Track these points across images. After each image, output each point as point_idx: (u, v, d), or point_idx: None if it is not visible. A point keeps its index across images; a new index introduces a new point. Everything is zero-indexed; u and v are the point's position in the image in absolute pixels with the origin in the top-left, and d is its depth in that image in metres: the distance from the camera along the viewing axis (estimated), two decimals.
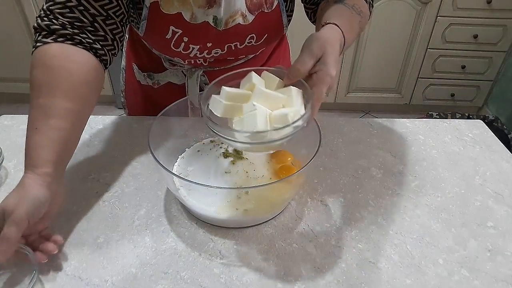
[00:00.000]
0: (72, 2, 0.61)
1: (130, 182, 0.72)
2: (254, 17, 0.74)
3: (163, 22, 0.71)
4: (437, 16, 2.16)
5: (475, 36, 2.21)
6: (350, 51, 2.28)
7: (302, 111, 0.54)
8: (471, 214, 0.68)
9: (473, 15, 2.15)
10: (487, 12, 2.13)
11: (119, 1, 0.65)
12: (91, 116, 0.87)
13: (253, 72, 0.55)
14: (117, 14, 0.65)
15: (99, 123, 0.87)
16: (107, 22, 0.64)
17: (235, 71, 0.59)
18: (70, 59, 0.61)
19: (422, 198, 0.71)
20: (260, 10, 0.74)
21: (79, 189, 0.70)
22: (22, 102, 2.55)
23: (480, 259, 0.60)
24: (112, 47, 0.67)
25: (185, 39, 0.74)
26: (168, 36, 0.73)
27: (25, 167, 0.56)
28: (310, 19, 0.85)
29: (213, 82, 0.57)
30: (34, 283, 0.50)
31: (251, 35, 0.76)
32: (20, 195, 0.53)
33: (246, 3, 0.72)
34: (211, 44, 0.76)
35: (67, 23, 0.61)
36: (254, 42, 0.78)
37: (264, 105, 0.52)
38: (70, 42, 0.61)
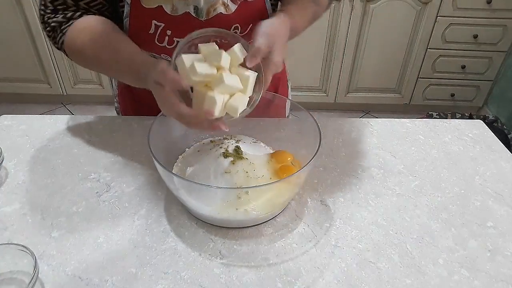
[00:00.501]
0: None
1: (130, 182, 0.72)
2: (236, 6, 0.73)
3: (144, 17, 0.71)
4: (437, 16, 2.16)
5: (475, 36, 2.21)
6: (350, 51, 2.29)
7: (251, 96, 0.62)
8: (471, 214, 0.68)
9: (473, 15, 2.15)
10: (487, 12, 2.13)
11: None
12: (91, 116, 0.88)
13: (223, 51, 0.59)
14: None
15: (99, 123, 0.87)
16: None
17: (202, 33, 0.62)
18: (94, 25, 0.70)
19: (422, 198, 0.71)
20: None
21: (79, 189, 0.70)
22: (22, 102, 2.55)
23: (480, 259, 0.60)
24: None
25: (168, 32, 0.74)
26: (152, 31, 0.73)
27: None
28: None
29: (185, 40, 0.61)
30: (34, 283, 0.50)
31: (235, 25, 0.76)
32: None
33: None
34: None
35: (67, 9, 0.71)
36: (239, 33, 0.77)
37: (225, 87, 0.58)
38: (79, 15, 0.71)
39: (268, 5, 0.77)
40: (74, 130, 0.85)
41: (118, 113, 1.01)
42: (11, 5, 2.13)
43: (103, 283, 0.55)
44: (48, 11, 0.71)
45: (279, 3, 0.80)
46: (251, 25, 0.78)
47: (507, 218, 0.67)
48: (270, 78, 0.61)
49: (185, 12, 0.71)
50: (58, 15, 0.71)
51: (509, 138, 2.14)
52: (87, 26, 0.70)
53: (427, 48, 2.28)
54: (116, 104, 1.00)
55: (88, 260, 0.58)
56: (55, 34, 0.72)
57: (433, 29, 2.20)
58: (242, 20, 0.76)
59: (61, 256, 0.59)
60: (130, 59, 0.66)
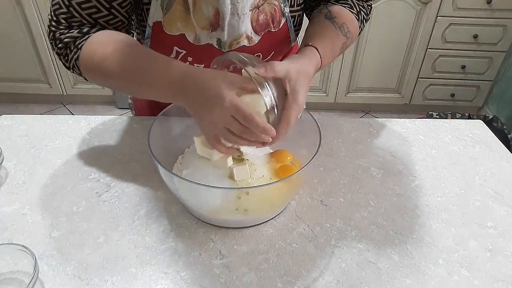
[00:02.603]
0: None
1: (130, 182, 0.72)
2: (260, 37, 0.73)
3: (166, 42, 0.70)
4: (437, 16, 2.16)
5: (475, 36, 2.21)
6: (350, 51, 2.28)
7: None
8: (471, 214, 0.68)
9: (473, 15, 2.15)
10: (487, 12, 2.13)
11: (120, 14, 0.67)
12: (91, 116, 0.88)
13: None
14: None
15: (99, 123, 0.87)
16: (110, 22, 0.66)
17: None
18: (109, 39, 0.65)
19: (422, 198, 0.71)
20: (267, 30, 0.73)
21: (79, 189, 0.70)
22: (22, 102, 2.55)
23: (480, 259, 0.60)
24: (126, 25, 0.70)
25: (190, 59, 0.73)
26: (172, 56, 0.72)
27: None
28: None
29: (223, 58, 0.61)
30: (34, 283, 0.50)
31: (257, 54, 0.75)
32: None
33: (252, 24, 0.71)
34: (216, 66, 0.75)
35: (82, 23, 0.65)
36: (261, 60, 0.77)
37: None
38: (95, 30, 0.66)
39: (292, 32, 0.77)
40: (74, 130, 0.85)
41: (131, 109, 1.01)
42: (11, 5, 2.13)
43: (103, 283, 0.55)
44: (62, 27, 0.65)
45: (306, 31, 0.74)
46: (273, 52, 0.77)
47: (507, 218, 0.67)
48: (291, 115, 0.58)
49: (208, 43, 0.71)
50: (73, 30, 0.64)
51: (509, 138, 2.14)
52: (110, 38, 0.64)
53: (427, 48, 2.28)
54: (130, 101, 0.99)
55: (88, 260, 0.58)
56: (67, 51, 0.65)
57: (433, 29, 2.20)
58: (264, 50, 0.75)
59: (61, 256, 0.59)
60: (166, 65, 0.59)
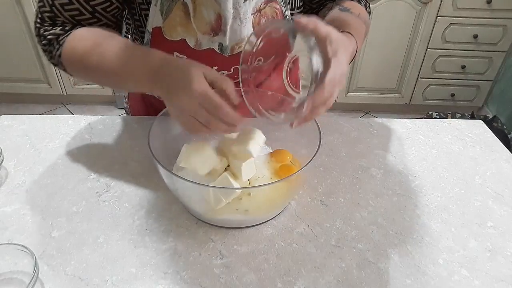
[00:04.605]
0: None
1: (130, 182, 0.72)
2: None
3: (166, 48, 0.69)
4: (437, 16, 2.16)
5: (475, 36, 2.21)
6: None
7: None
8: (471, 214, 0.68)
9: (473, 15, 2.15)
10: (487, 12, 2.13)
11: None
12: (91, 116, 0.88)
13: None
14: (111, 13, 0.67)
15: (99, 123, 0.87)
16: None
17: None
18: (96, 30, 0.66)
19: (422, 198, 0.71)
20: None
21: (79, 189, 0.70)
22: (22, 102, 2.55)
23: (480, 259, 0.60)
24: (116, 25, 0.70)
25: None
26: None
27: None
28: None
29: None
30: (34, 283, 0.50)
31: (259, 58, 0.75)
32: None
33: (254, 29, 0.71)
34: (217, 68, 0.75)
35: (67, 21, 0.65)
36: (262, 63, 0.77)
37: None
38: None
39: (292, 40, 0.77)
40: (74, 130, 0.85)
41: (127, 113, 1.01)
42: (11, 5, 2.13)
43: (103, 283, 0.55)
44: (46, 24, 0.67)
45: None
46: (273, 56, 0.77)
47: (507, 218, 0.67)
48: (338, 80, 0.50)
49: (209, 48, 0.70)
50: (56, 27, 0.66)
51: (509, 138, 2.14)
52: (90, 33, 0.65)
53: (427, 48, 2.28)
54: (125, 105, 1.00)
55: (88, 260, 0.58)
56: (51, 47, 0.67)
57: (433, 29, 2.20)
58: (265, 53, 0.75)
59: (61, 256, 0.59)
60: (146, 54, 0.59)
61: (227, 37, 0.69)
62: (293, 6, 0.74)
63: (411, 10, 2.15)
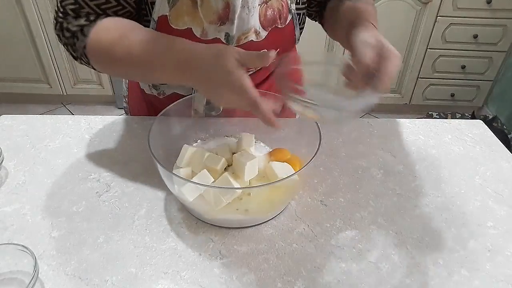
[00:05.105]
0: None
1: (130, 182, 0.72)
2: (267, 33, 0.73)
3: None
4: (437, 16, 2.16)
5: (475, 36, 2.21)
6: None
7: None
8: (471, 214, 0.68)
9: (473, 15, 2.15)
10: (487, 12, 2.13)
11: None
12: (91, 116, 0.88)
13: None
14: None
15: (99, 123, 0.87)
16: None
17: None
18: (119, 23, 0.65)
19: (422, 198, 0.71)
20: (274, 25, 0.73)
21: (79, 189, 0.70)
22: (22, 102, 2.55)
23: (480, 259, 0.60)
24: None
25: None
26: None
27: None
28: (312, 17, 0.84)
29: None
30: (34, 283, 0.50)
31: (263, 50, 0.75)
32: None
33: (259, 19, 0.71)
34: None
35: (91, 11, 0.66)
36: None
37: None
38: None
39: (297, 30, 0.77)
40: (74, 130, 0.85)
41: (126, 113, 1.00)
42: (11, 5, 2.13)
43: (103, 283, 0.55)
44: (69, 17, 0.65)
45: (339, 19, 0.73)
46: (278, 50, 0.77)
47: (507, 218, 0.67)
48: (391, 66, 0.53)
49: (215, 37, 0.70)
50: (80, 19, 0.64)
51: (509, 138, 2.14)
52: (116, 24, 0.64)
53: (427, 48, 2.28)
54: (125, 104, 0.99)
55: (88, 260, 0.58)
56: (75, 39, 0.65)
57: (433, 29, 2.20)
58: (270, 46, 0.74)
59: (61, 256, 0.59)
60: (171, 44, 0.59)
61: (235, 26, 0.69)
62: (298, 1, 0.74)
63: (411, 10, 2.15)
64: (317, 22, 0.87)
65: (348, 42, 0.61)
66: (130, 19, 0.68)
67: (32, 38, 2.24)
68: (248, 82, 0.53)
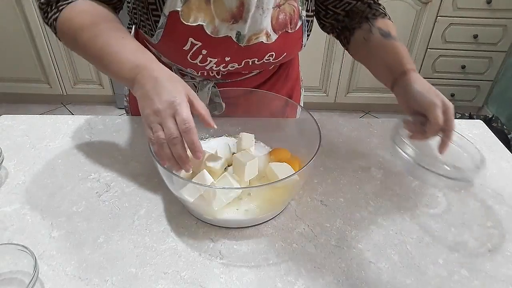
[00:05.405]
0: None
1: (130, 182, 0.72)
2: (277, 36, 0.73)
3: (182, 32, 0.69)
4: (437, 16, 2.16)
5: (475, 36, 2.21)
6: None
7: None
8: (471, 214, 0.68)
9: (473, 15, 2.15)
10: (487, 12, 2.14)
11: None
12: (91, 116, 0.88)
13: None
14: None
15: (99, 123, 0.87)
16: None
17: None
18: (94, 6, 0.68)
19: (422, 198, 0.71)
20: (284, 30, 0.73)
21: (79, 189, 0.70)
22: (22, 102, 2.55)
23: (480, 259, 0.60)
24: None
25: (204, 51, 0.72)
26: (186, 48, 0.71)
27: (137, 66, 0.60)
28: (326, 30, 0.85)
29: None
30: (34, 283, 0.50)
31: (271, 53, 0.75)
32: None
33: (271, 22, 0.71)
34: (229, 58, 0.74)
35: None
36: (272, 60, 0.77)
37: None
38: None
39: (305, 36, 0.77)
40: (74, 130, 0.85)
41: (127, 113, 1.00)
42: (11, 5, 2.13)
43: (103, 283, 0.55)
44: None
45: (379, 58, 0.78)
46: (285, 53, 0.78)
47: (507, 218, 0.67)
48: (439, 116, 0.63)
49: (226, 35, 0.70)
50: None
51: (509, 138, 2.14)
52: (91, 9, 0.67)
53: (427, 48, 2.28)
54: (125, 103, 0.99)
55: (88, 260, 0.58)
56: (48, 8, 0.68)
57: (433, 29, 2.20)
58: (278, 49, 0.75)
59: (61, 256, 0.59)
60: (136, 50, 0.62)
61: (247, 25, 0.69)
62: (308, 8, 0.75)
63: (411, 10, 2.15)
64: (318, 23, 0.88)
65: (398, 89, 0.70)
66: (112, 6, 0.71)
67: (32, 38, 2.24)
68: (185, 106, 0.56)
